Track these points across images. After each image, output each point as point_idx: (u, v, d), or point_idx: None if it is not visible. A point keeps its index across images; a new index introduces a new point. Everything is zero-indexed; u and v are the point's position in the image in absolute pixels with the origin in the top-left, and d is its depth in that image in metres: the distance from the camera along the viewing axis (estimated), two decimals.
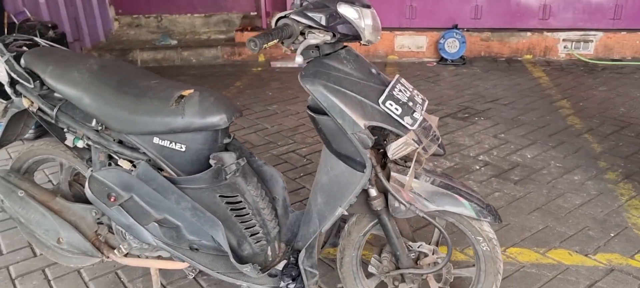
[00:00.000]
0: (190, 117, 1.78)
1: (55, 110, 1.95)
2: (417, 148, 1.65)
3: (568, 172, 3.21)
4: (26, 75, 1.94)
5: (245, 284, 1.90)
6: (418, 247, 1.85)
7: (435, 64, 5.96)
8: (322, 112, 1.65)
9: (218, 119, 1.80)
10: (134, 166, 1.93)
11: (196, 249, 1.94)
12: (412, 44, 6.17)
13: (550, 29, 5.90)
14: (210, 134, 1.85)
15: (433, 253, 1.85)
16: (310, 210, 1.86)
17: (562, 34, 5.82)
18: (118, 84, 1.89)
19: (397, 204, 1.72)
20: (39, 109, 1.99)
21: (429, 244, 1.87)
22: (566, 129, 3.88)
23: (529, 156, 3.45)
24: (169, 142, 1.85)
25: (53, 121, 1.98)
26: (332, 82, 1.60)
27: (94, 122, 1.94)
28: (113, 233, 2.09)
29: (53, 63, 1.95)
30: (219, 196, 1.84)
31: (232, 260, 1.81)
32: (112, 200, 1.91)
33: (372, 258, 1.88)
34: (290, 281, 1.82)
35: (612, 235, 2.55)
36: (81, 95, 1.87)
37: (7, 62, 1.97)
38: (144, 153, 1.90)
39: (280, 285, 1.83)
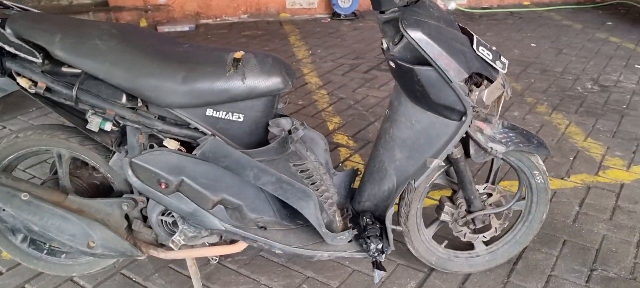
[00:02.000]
0: (252, 82, 1.60)
1: (75, 89, 1.58)
2: (503, 91, 1.69)
3: (505, 110, 3.53)
4: (28, 47, 1.54)
5: (325, 254, 1.79)
6: (484, 189, 1.92)
7: (329, 19, 6.01)
8: (415, 63, 1.59)
9: (280, 82, 1.64)
10: (183, 145, 1.67)
11: (263, 227, 1.77)
12: (304, 0, 6.12)
13: None
14: (269, 99, 1.68)
15: (496, 193, 1.93)
16: (382, 167, 1.80)
17: None
18: (154, 51, 1.60)
19: (478, 150, 1.75)
20: (47, 90, 1.60)
21: (487, 183, 1.95)
22: None
23: None
24: (224, 112, 1.64)
25: (72, 102, 1.61)
26: (433, 31, 1.55)
27: (124, 99, 1.62)
28: (149, 227, 1.80)
29: (59, 30, 1.57)
30: (293, 165, 1.69)
31: (325, 229, 1.69)
32: (163, 187, 1.64)
33: (446, 206, 1.90)
34: (379, 242, 1.76)
35: (572, 158, 2.90)
36: (111, 67, 1.55)
37: None
38: (195, 128, 1.65)
39: (371, 248, 1.76)
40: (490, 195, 1.93)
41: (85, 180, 1.88)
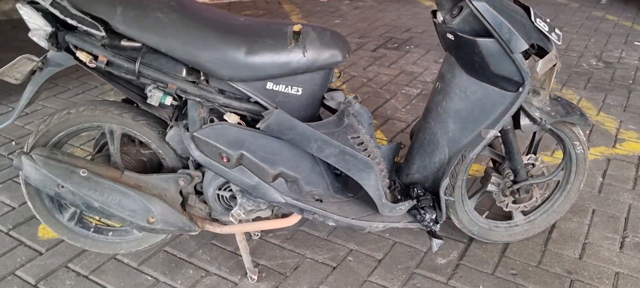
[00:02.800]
0: (312, 55, 1.61)
1: (138, 63, 1.57)
2: (556, 62, 1.73)
3: None
4: (90, 20, 1.52)
5: (380, 225, 1.82)
6: (528, 160, 1.96)
7: None
8: (474, 35, 1.62)
9: (339, 55, 1.66)
10: (244, 119, 1.68)
11: (319, 200, 1.79)
12: None
13: None
14: (326, 72, 1.70)
15: (539, 163, 1.98)
16: (434, 139, 1.83)
17: None
18: (215, 24, 1.60)
19: (528, 121, 1.80)
20: (108, 63, 1.58)
21: (530, 154, 2.00)
22: None
23: None
24: (284, 86, 1.65)
25: (133, 77, 1.59)
26: (496, 2, 1.58)
27: (185, 72, 1.62)
28: (203, 202, 1.81)
29: (119, 3, 1.55)
30: (351, 138, 1.71)
31: (384, 200, 1.72)
32: (224, 160, 1.65)
33: (493, 176, 1.94)
34: (433, 212, 1.80)
35: (588, 132, 2.98)
36: (174, 40, 1.54)
37: (54, 4, 1.50)
38: (256, 102, 1.66)
39: (425, 218, 1.80)
40: (533, 165, 1.98)
41: (133, 157, 1.87)
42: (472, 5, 1.56)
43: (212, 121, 1.66)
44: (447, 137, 1.80)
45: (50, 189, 1.64)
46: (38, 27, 1.56)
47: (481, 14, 1.56)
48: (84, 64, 1.59)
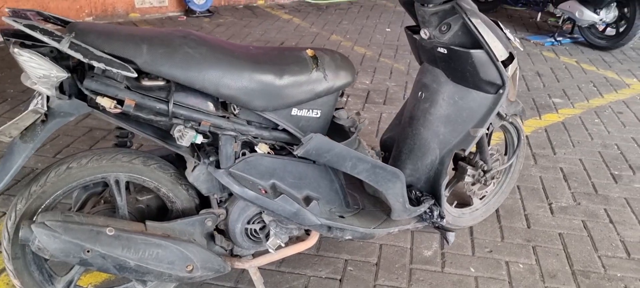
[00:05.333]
0: (331, 78, 1.68)
1: (171, 103, 1.46)
2: (517, 66, 2.04)
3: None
4: (119, 62, 1.37)
5: (395, 229, 1.93)
6: (490, 150, 2.26)
7: (185, 17, 5.83)
8: (463, 47, 1.84)
9: (350, 75, 1.75)
10: (274, 149, 1.66)
11: (342, 216, 1.84)
12: None
13: None
14: (337, 93, 1.77)
15: (497, 153, 2.29)
16: (424, 144, 2.01)
17: None
18: (241, 55, 1.57)
19: (496, 117, 2.08)
20: (137, 107, 1.44)
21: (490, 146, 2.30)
22: (377, 60, 4.66)
23: (393, 84, 4.07)
24: (307, 110, 1.69)
25: (166, 118, 1.47)
26: (484, 18, 1.82)
27: (211, 107, 1.55)
28: (229, 238, 1.73)
29: (141, 41, 1.43)
30: (368, 152, 1.80)
31: (408, 205, 1.84)
32: (263, 193, 1.62)
33: (468, 169, 2.18)
34: (437, 209, 1.97)
35: None
36: (207, 75, 1.48)
37: (73, 46, 1.33)
38: (283, 130, 1.66)
39: (434, 216, 1.95)
40: (492, 155, 2.28)
41: (132, 207, 1.71)
42: (470, 21, 1.77)
43: (244, 154, 1.61)
44: (437, 140, 1.99)
45: (74, 257, 1.42)
46: (47, 74, 1.35)
47: (476, 28, 1.78)
48: (103, 110, 1.42)
